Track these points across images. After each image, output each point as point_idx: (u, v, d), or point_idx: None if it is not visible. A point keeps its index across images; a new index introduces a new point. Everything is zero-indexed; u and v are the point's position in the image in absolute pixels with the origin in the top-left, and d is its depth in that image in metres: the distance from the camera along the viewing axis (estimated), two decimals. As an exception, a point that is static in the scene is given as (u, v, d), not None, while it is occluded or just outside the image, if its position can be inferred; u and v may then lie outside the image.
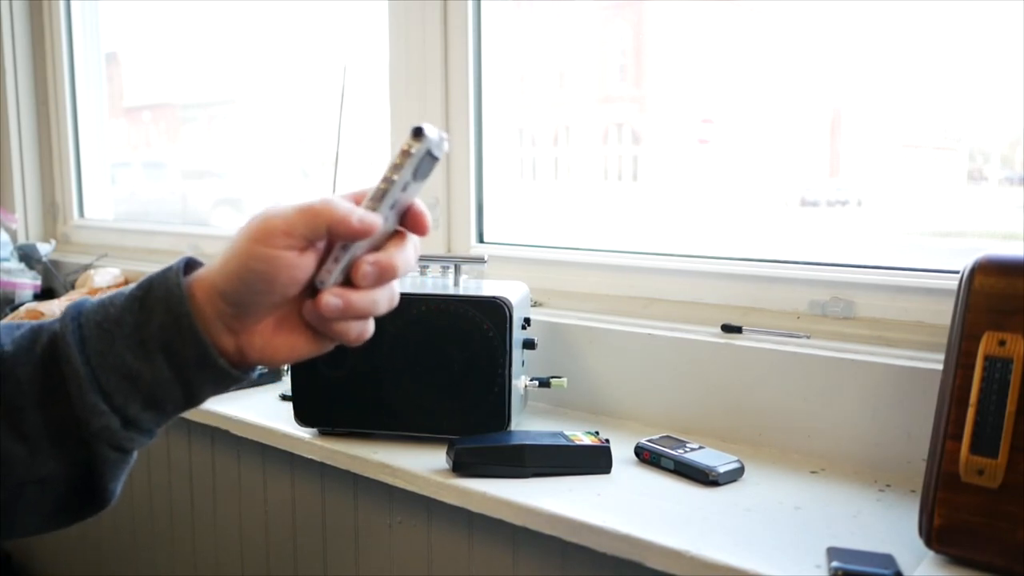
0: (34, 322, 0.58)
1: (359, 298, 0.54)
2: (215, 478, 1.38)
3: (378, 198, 0.53)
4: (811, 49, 1.30)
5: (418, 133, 0.53)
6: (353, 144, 1.57)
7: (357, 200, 0.55)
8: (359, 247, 0.54)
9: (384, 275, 0.54)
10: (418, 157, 0.53)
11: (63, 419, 0.54)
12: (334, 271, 0.54)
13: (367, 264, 0.54)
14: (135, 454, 0.59)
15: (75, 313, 0.56)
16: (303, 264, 0.53)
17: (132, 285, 0.57)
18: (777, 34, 1.35)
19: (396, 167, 0.53)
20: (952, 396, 0.73)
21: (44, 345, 0.55)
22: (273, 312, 0.56)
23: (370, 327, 0.57)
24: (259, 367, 0.59)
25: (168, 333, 0.54)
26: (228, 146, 2.31)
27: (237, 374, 0.57)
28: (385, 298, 0.56)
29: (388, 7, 1.46)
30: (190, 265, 0.58)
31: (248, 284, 0.54)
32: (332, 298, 0.54)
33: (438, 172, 1.41)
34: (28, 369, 0.55)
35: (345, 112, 1.46)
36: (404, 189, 0.54)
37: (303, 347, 0.57)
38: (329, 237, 0.53)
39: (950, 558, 0.72)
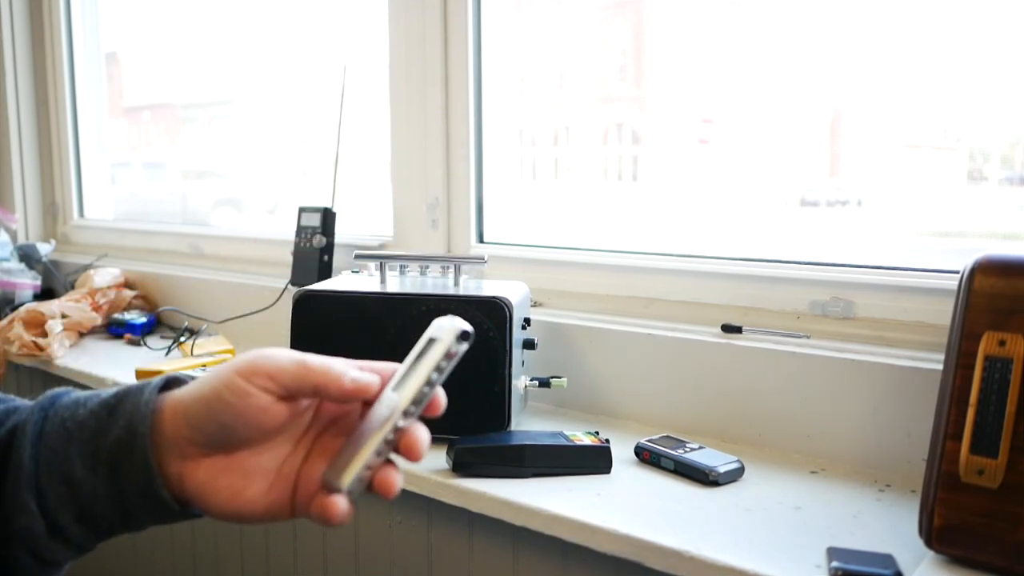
0: (12, 403, 0.55)
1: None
2: (215, 478, 1.38)
3: (419, 402, 0.50)
4: (811, 49, 1.30)
5: (465, 336, 0.50)
6: (353, 144, 1.57)
7: (383, 377, 0.52)
8: (376, 445, 0.50)
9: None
10: (459, 358, 0.51)
11: None
12: (353, 471, 0.50)
13: (393, 476, 0.51)
14: (63, 569, 0.55)
15: (48, 403, 0.53)
16: (275, 411, 0.50)
17: (115, 389, 0.54)
18: (777, 34, 1.35)
19: (440, 370, 0.50)
20: (952, 396, 0.73)
21: (8, 430, 0.52)
22: (231, 453, 0.52)
23: None
24: (198, 510, 0.54)
25: (121, 449, 0.51)
26: (228, 146, 2.31)
27: (178, 511, 0.52)
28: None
29: (388, 7, 1.46)
30: (173, 383, 0.55)
31: (214, 412, 0.50)
32: (346, 506, 0.50)
33: (438, 172, 1.41)
34: None
35: (345, 112, 1.46)
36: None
37: (251, 502, 0.52)
38: (316, 395, 0.51)
39: (950, 558, 0.72)
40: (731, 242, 1.32)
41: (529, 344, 1.09)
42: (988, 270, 0.73)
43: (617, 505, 0.87)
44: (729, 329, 1.09)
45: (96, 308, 1.72)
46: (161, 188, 2.51)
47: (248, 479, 0.52)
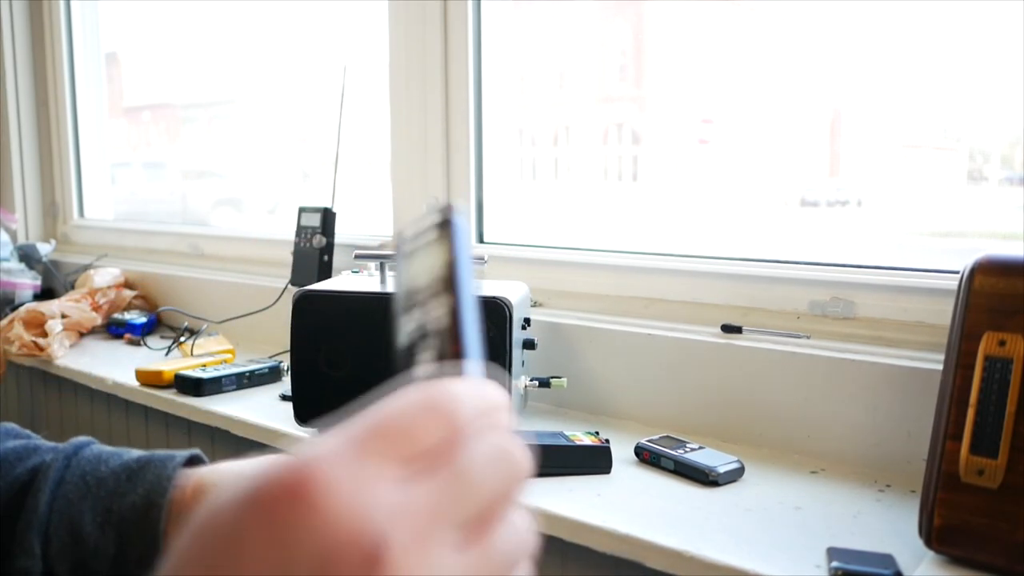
0: (33, 441, 0.57)
1: None
2: (215, 478, 1.38)
3: None
4: (811, 49, 1.30)
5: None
6: (353, 145, 1.57)
7: None
8: None
9: None
10: None
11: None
12: None
13: None
14: None
15: (72, 451, 0.54)
16: None
17: (139, 453, 0.55)
18: (777, 34, 1.35)
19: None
20: (952, 396, 0.73)
21: (28, 469, 0.54)
22: None
23: None
24: None
25: (135, 515, 0.51)
26: (228, 146, 2.32)
27: None
28: None
29: (388, 7, 1.46)
30: (196, 460, 0.55)
31: None
32: None
33: (438, 172, 1.41)
34: (2, 485, 0.53)
35: (345, 112, 1.46)
36: None
37: None
38: None
39: (950, 558, 0.72)
40: (731, 242, 1.32)
41: (529, 344, 1.09)
42: (988, 270, 0.73)
43: (617, 505, 0.87)
44: (729, 329, 1.09)
45: (96, 308, 1.72)
46: (161, 188, 2.52)
47: None
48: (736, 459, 0.95)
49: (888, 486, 0.92)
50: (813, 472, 0.96)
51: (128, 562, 0.52)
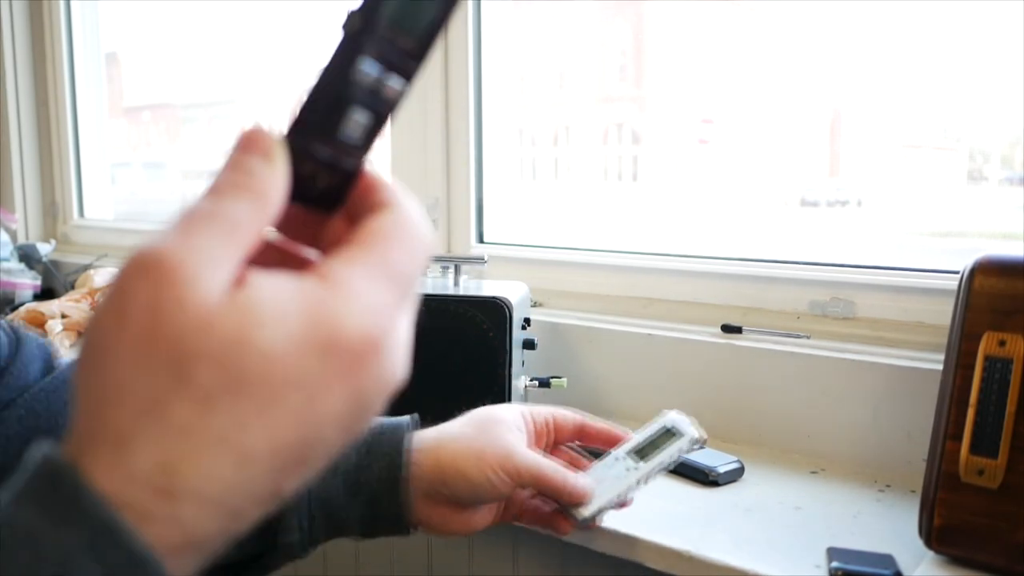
0: None
1: None
2: (215, 478, 1.38)
3: (650, 478, 0.71)
4: (811, 49, 1.30)
5: (702, 445, 0.74)
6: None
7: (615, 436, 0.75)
8: (613, 501, 0.70)
9: None
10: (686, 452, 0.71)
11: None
12: (590, 511, 0.66)
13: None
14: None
15: None
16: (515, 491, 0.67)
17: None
18: (777, 34, 1.35)
19: (673, 462, 0.72)
20: (952, 396, 0.73)
21: None
22: (465, 507, 0.66)
23: None
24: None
25: (381, 487, 0.62)
26: (228, 146, 2.31)
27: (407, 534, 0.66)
28: None
29: (388, 7, 1.45)
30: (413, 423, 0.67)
31: (478, 493, 0.64)
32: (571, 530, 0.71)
33: (438, 171, 1.41)
34: None
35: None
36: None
37: (473, 528, 0.67)
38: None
39: (950, 558, 0.72)
40: (731, 242, 1.32)
41: (529, 344, 1.09)
42: (988, 270, 0.73)
43: (617, 505, 0.87)
44: (729, 329, 1.09)
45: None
46: (161, 188, 2.51)
47: (474, 518, 0.67)
48: (736, 459, 0.95)
49: (888, 486, 0.92)
50: (813, 472, 0.96)
51: (378, 524, 0.64)
